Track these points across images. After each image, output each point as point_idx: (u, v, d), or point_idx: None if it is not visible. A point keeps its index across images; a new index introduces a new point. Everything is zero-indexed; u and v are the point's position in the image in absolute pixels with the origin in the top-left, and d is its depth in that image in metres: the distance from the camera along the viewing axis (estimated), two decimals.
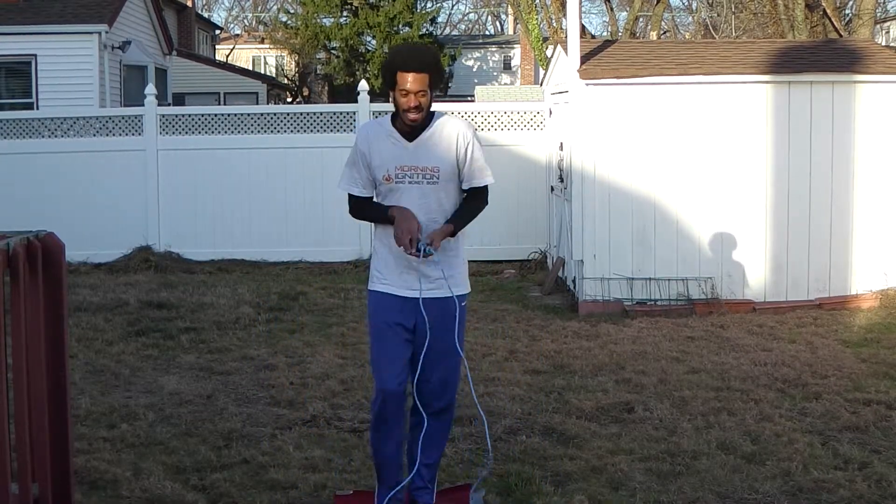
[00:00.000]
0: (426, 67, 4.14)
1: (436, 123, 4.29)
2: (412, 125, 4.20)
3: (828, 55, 10.11)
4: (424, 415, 4.37)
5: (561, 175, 10.52)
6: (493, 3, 53.50)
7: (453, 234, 4.25)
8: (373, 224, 4.45)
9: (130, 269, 11.90)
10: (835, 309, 9.16)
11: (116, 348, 7.89)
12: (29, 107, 16.34)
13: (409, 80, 4.11)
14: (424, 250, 4.11)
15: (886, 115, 9.43)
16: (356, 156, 4.32)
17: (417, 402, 4.36)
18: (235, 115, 12.87)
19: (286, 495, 4.73)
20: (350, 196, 4.39)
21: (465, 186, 4.33)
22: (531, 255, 12.08)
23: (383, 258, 4.35)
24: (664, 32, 34.99)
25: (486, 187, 4.37)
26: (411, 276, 4.27)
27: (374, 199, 4.36)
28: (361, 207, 4.41)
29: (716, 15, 33.38)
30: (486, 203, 4.41)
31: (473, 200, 4.37)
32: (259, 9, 54.45)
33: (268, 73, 40.11)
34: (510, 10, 40.06)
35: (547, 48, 19.80)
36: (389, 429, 4.37)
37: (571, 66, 9.57)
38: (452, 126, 4.28)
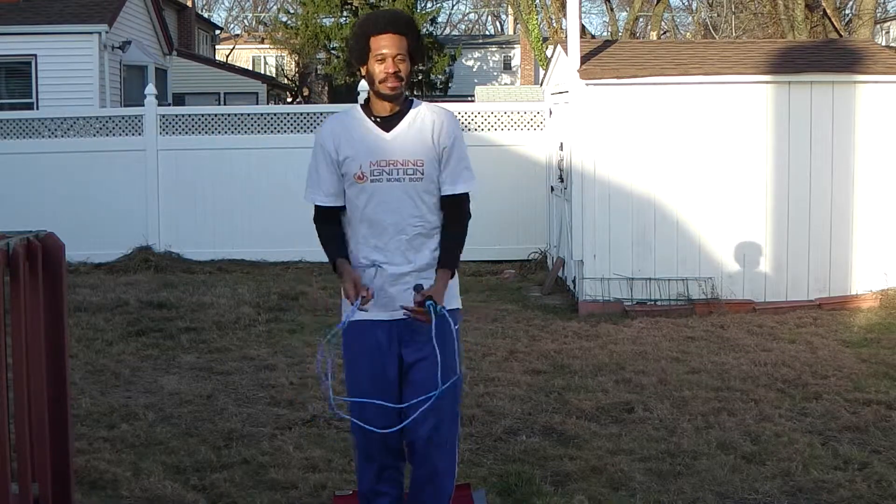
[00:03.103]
0: (402, 29, 3.60)
1: (416, 110, 3.70)
2: (391, 95, 3.60)
3: (828, 55, 10.11)
4: (413, 476, 3.79)
5: (561, 175, 10.52)
6: (493, 3, 53.50)
7: (452, 277, 3.67)
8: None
9: (130, 269, 11.90)
10: (835, 309, 9.16)
11: (116, 348, 7.89)
12: (29, 107, 16.34)
13: (385, 43, 3.56)
14: (436, 309, 3.49)
15: (886, 115, 9.43)
16: (318, 156, 3.71)
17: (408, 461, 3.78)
18: (235, 115, 12.88)
19: (286, 495, 4.73)
20: (316, 207, 3.75)
21: (443, 191, 3.69)
22: (531, 255, 12.08)
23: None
24: (664, 32, 34.99)
25: (466, 196, 3.73)
26: (388, 295, 3.67)
27: (344, 213, 3.76)
28: (323, 226, 3.75)
29: (716, 15, 33.41)
30: (470, 216, 3.77)
31: (456, 221, 3.72)
32: (259, 9, 54.47)
33: (268, 73, 40.13)
34: (510, 10, 40.06)
35: (547, 48, 19.80)
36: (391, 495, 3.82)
37: (571, 66, 9.58)
38: (436, 113, 3.70)
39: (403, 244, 3.67)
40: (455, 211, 3.73)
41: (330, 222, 3.76)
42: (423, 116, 3.67)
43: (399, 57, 3.57)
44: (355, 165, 3.63)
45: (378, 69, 3.58)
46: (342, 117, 3.75)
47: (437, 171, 3.67)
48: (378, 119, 3.66)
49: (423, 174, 3.64)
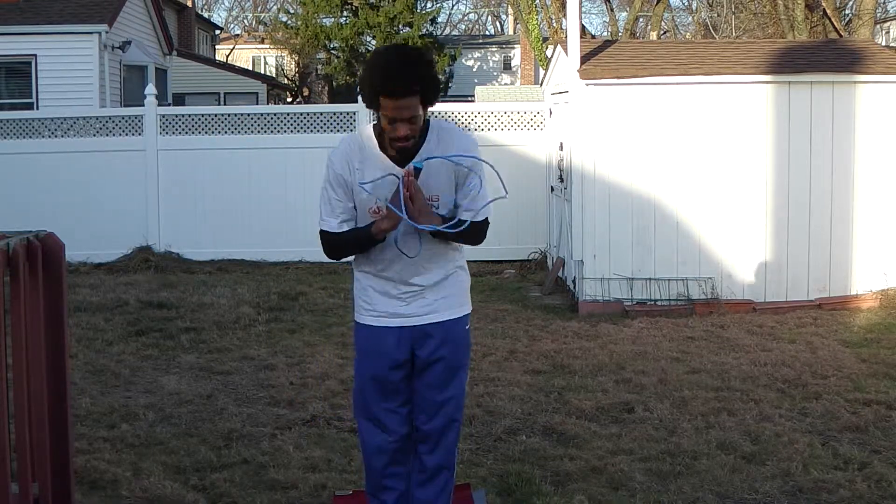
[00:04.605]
0: (417, 88, 3.35)
1: (433, 137, 3.55)
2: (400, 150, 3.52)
3: (828, 55, 10.11)
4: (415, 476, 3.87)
5: (561, 175, 10.52)
6: (493, 3, 53.50)
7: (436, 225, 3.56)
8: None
9: (130, 269, 11.90)
10: (835, 309, 9.16)
11: (116, 348, 7.89)
12: (29, 107, 16.33)
13: (398, 107, 3.36)
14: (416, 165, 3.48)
15: (886, 115, 9.43)
16: (331, 182, 3.59)
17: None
18: (235, 115, 12.88)
19: (286, 495, 4.73)
20: (324, 234, 3.65)
21: (462, 216, 3.59)
22: (531, 255, 12.08)
23: (366, 285, 3.73)
24: (664, 32, 34.99)
25: (485, 222, 3.67)
26: (402, 300, 3.69)
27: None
28: (339, 243, 3.63)
29: (716, 15, 33.40)
30: (483, 239, 3.74)
31: (472, 228, 3.62)
32: (259, 9, 54.46)
33: (268, 73, 40.12)
34: (510, 10, 40.04)
35: (547, 48, 19.80)
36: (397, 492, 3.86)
37: (571, 66, 9.58)
38: (453, 140, 3.56)
39: (415, 267, 3.67)
40: (472, 225, 3.64)
41: (342, 236, 3.67)
42: (442, 144, 3.55)
43: (412, 118, 3.41)
44: (371, 200, 3.57)
45: (388, 128, 3.45)
46: (355, 144, 3.60)
47: (454, 196, 3.62)
48: (392, 154, 3.55)
49: (438, 207, 3.60)
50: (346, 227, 3.63)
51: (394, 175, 3.52)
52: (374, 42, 33.00)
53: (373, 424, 3.81)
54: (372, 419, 3.81)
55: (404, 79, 3.35)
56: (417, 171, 3.50)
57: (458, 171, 3.59)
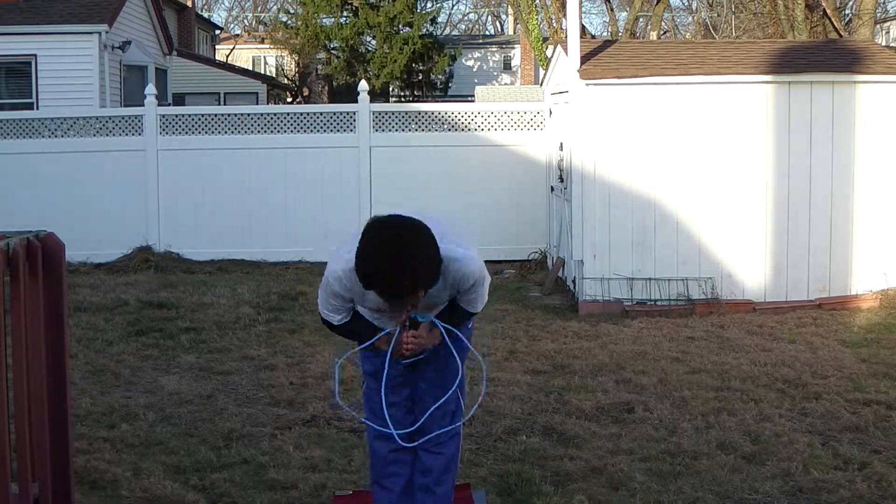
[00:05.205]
0: (419, 289, 3.39)
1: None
2: None
3: (828, 55, 10.11)
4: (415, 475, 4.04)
5: (561, 175, 10.52)
6: (493, 3, 53.49)
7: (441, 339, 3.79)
8: None
9: (130, 269, 11.91)
10: (835, 309, 9.16)
11: (116, 348, 7.89)
12: (29, 107, 16.30)
13: (399, 301, 3.43)
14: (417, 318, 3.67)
15: (886, 115, 9.43)
16: (330, 295, 3.72)
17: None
18: (235, 115, 12.87)
19: (286, 495, 4.73)
20: (325, 321, 3.88)
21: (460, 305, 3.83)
22: (531, 255, 12.08)
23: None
24: (664, 32, 34.98)
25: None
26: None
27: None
28: (340, 333, 3.88)
29: (716, 15, 33.41)
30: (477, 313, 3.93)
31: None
32: (259, 9, 54.43)
33: (268, 73, 40.09)
34: (510, 10, 40.03)
35: (547, 48, 19.80)
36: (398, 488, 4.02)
37: (571, 66, 9.58)
38: (460, 272, 3.62)
39: None
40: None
41: (345, 327, 3.85)
42: (446, 277, 3.59)
43: (412, 302, 3.48)
44: (373, 307, 3.72)
45: (390, 309, 3.55)
46: (355, 278, 3.47)
47: (455, 297, 3.77)
48: None
49: (440, 310, 3.78)
50: (346, 319, 3.82)
51: (391, 329, 3.72)
52: (374, 42, 33.01)
53: (378, 415, 3.92)
54: (377, 411, 3.92)
55: (405, 285, 3.36)
56: (416, 323, 3.66)
57: (461, 285, 3.68)
